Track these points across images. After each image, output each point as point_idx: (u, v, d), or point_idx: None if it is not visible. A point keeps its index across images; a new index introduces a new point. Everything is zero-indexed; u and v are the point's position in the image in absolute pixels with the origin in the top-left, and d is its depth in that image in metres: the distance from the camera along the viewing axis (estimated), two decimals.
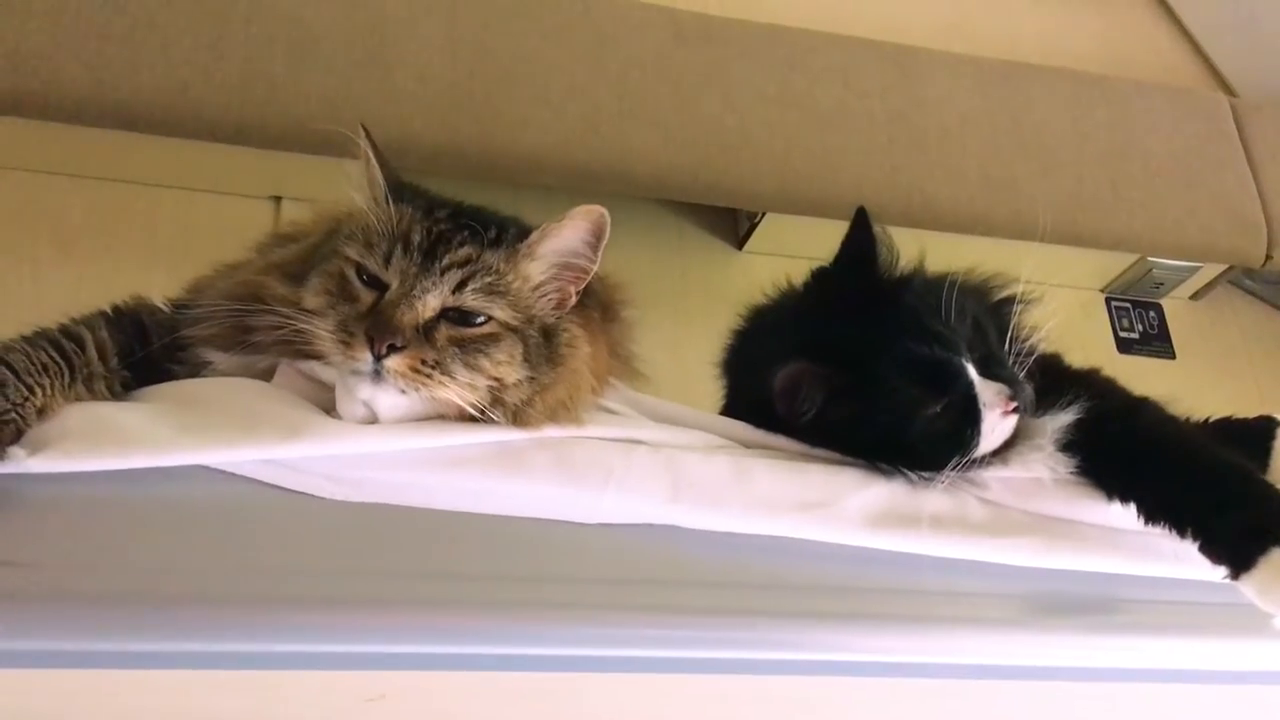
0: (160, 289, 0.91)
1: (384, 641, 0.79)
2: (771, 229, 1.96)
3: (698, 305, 1.84)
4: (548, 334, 0.84)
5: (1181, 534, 0.85)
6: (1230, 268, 2.13)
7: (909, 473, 0.88)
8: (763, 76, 1.91)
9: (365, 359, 0.77)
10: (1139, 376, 1.03)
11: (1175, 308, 2.19)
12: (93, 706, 0.83)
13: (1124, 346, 2.11)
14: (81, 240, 1.60)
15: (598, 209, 0.82)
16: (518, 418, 0.82)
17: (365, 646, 0.78)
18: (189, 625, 0.75)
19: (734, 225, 2.05)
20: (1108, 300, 2.17)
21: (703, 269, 2.00)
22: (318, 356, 0.80)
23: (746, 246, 2.02)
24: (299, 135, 1.58)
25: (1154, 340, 2.14)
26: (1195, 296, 2.22)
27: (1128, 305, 2.17)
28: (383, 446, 0.79)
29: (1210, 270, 2.14)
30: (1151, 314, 2.17)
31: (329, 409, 0.81)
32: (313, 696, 0.88)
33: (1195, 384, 2.06)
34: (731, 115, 1.86)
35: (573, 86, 1.80)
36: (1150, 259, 2.07)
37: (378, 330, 0.77)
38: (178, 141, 1.63)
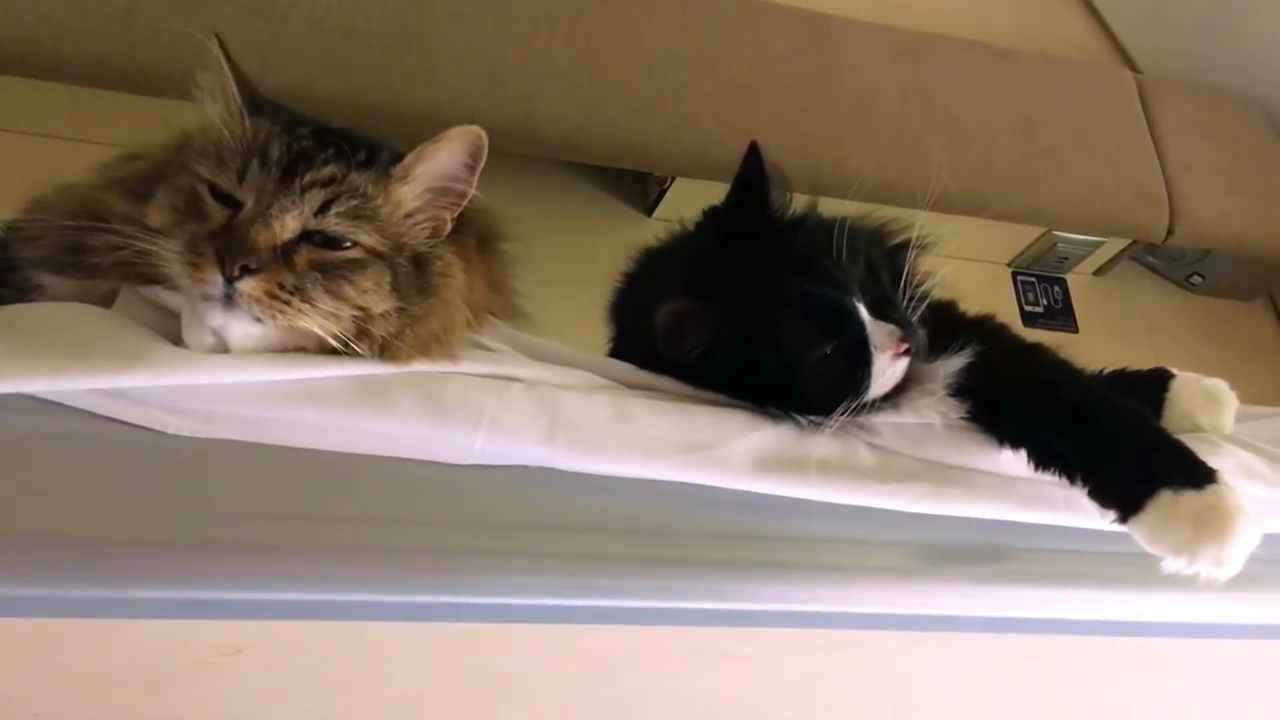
0: None
1: (235, 588, 0.73)
2: (681, 195, 1.92)
3: (605, 273, 1.80)
4: (419, 263, 0.79)
5: (1071, 479, 0.84)
6: (1133, 243, 2.16)
7: (798, 416, 0.85)
8: (675, 40, 1.88)
9: (215, 281, 0.71)
10: None
11: (1079, 283, 2.22)
12: None
13: (1029, 320, 2.14)
14: None
15: (475, 129, 0.78)
16: (385, 351, 0.77)
17: (214, 593, 0.72)
18: (15, 568, 0.68)
19: (643, 191, 2.02)
20: (1014, 275, 2.20)
21: (611, 235, 1.96)
22: (163, 280, 0.74)
23: (656, 213, 1.98)
24: (184, 83, 1.50)
25: (1058, 314, 2.17)
26: (1099, 272, 2.25)
27: (1033, 280, 2.20)
28: (233, 378, 0.73)
29: (1114, 245, 2.17)
30: (1056, 289, 2.20)
31: (176, 339, 0.75)
32: (164, 650, 0.82)
33: (1097, 358, 2.09)
34: (642, 77, 1.82)
35: (479, 40, 1.74)
36: (1055, 233, 2.09)
37: (229, 249, 0.71)
38: (57, 87, 1.54)
